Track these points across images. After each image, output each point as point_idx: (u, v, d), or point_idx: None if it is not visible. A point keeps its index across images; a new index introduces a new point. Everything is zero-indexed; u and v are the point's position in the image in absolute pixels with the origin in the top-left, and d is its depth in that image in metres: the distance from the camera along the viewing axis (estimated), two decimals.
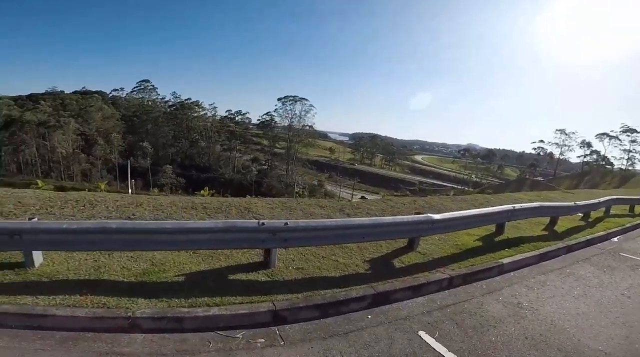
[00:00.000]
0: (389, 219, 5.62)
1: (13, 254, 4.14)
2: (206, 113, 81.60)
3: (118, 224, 3.87)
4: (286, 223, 4.42)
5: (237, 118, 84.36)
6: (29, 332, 3.14)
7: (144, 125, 74.12)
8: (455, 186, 79.79)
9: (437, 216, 5.75)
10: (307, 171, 79.40)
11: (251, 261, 4.81)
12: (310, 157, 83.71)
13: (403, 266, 5.19)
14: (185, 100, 79.82)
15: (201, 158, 75.77)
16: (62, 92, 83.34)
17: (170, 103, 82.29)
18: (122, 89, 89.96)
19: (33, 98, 76.67)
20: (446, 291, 4.85)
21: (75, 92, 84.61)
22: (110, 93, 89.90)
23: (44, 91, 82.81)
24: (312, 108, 75.93)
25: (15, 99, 75.45)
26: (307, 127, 77.70)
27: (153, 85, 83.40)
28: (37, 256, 4.03)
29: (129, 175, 52.14)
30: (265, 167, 76.29)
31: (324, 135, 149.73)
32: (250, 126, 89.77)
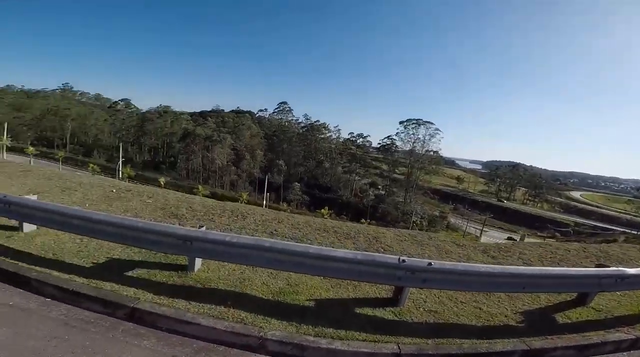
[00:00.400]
0: (560, 270, 4.91)
1: (179, 257, 4.74)
2: (331, 135, 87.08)
3: (271, 242, 4.08)
4: (430, 263, 4.08)
5: (358, 141, 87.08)
6: (173, 337, 3.38)
7: (280, 144, 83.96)
8: (629, 231, 61.35)
9: (632, 271, 4.89)
10: (427, 200, 74.78)
11: (378, 296, 4.58)
12: (433, 185, 78.58)
13: (568, 322, 4.51)
14: (315, 122, 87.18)
15: (324, 178, 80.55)
16: (223, 110, 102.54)
17: (302, 124, 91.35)
18: (265, 109, 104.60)
19: (203, 115, 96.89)
20: (625, 353, 4.12)
21: (232, 111, 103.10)
22: (257, 113, 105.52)
23: (210, 109, 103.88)
24: (438, 132, 71.65)
25: (192, 114, 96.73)
26: (431, 153, 73.49)
27: (289, 107, 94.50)
28: (198, 262, 4.55)
29: (266, 189, 59.69)
30: (383, 192, 75.30)
31: (450, 163, 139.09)
32: (371, 150, 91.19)
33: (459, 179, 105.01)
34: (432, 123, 71.37)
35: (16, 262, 4.29)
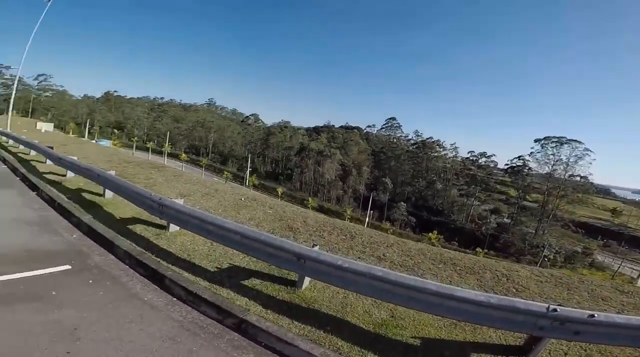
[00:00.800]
0: None
1: (290, 272, 4.81)
2: (446, 153, 79.99)
3: (383, 272, 3.79)
4: (592, 315, 3.35)
5: (480, 160, 78.07)
6: (270, 355, 3.37)
7: (387, 162, 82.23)
8: None
9: None
10: (567, 234, 60.67)
11: (503, 342, 3.93)
12: (576, 217, 63.23)
13: None
14: (427, 139, 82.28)
15: (435, 200, 74.82)
16: (333, 126, 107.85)
17: (412, 141, 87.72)
18: (373, 125, 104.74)
19: (316, 130, 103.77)
20: None
21: (341, 127, 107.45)
22: (364, 129, 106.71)
23: (322, 125, 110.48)
24: (588, 153, 56.83)
25: (307, 129, 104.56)
26: (577, 178, 58.79)
27: (398, 123, 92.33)
28: (307, 280, 4.57)
29: (369, 207, 59.40)
30: (508, 221, 64.88)
31: (604, 191, 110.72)
32: (495, 171, 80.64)
33: (614, 212, 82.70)
34: (579, 142, 57.40)
35: (158, 259, 4.98)
